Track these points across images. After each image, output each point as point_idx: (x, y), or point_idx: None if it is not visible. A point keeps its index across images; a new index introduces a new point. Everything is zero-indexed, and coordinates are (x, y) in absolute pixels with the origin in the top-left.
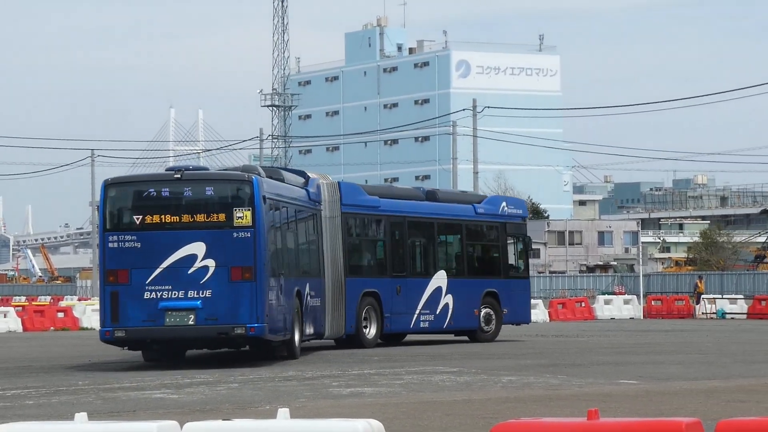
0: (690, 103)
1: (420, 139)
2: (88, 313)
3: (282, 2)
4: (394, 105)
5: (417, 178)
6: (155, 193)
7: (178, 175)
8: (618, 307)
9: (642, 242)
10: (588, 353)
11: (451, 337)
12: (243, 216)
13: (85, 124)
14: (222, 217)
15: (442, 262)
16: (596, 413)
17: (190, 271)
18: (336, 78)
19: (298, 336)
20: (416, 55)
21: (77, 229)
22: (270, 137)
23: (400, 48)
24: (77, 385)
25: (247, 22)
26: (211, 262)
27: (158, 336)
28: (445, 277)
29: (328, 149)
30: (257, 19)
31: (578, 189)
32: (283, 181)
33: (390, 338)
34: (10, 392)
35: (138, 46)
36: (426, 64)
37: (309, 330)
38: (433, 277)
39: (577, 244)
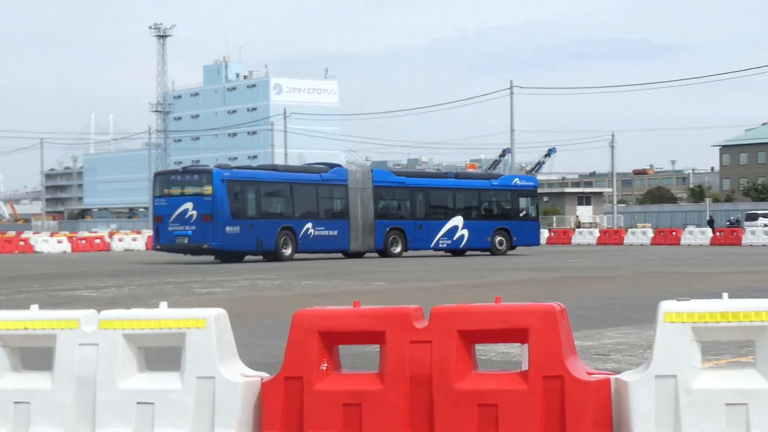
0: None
1: (251, 133)
2: (39, 242)
3: (163, 47)
4: (234, 111)
5: (249, 157)
6: (173, 177)
7: (181, 169)
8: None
9: None
10: (351, 265)
11: (482, 253)
12: (207, 190)
13: None
14: (199, 190)
15: (458, 211)
16: (359, 303)
17: (186, 217)
18: (197, 94)
19: (290, 250)
20: (248, 80)
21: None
22: (156, 132)
23: (237, 75)
24: (33, 288)
25: (138, 61)
26: (195, 213)
27: (174, 248)
28: (462, 219)
29: (192, 139)
30: (146, 58)
31: None
32: (277, 170)
33: (457, 252)
34: None
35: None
36: (254, 85)
37: (311, 247)
38: (450, 220)
39: None
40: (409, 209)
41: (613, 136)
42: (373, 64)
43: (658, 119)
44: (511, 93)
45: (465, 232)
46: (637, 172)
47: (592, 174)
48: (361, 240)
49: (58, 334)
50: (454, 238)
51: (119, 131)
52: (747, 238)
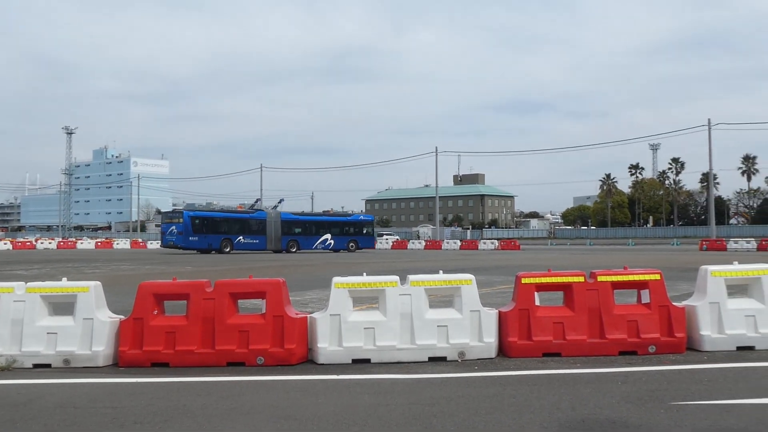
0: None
1: (119, 186)
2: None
3: (70, 138)
4: (110, 175)
5: (118, 200)
6: (168, 214)
7: (171, 210)
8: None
9: None
10: (200, 259)
11: (343, 251)
12: (180, 220)
13: None
14: (178, 220)
15: (329, 231)
16: (176, 278)
17: (173, 232)
18: (89, 165)
19: (228, 249)
20: (119, 158)
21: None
22: (64, 185)
23: (112, 155)
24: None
25: (57, 144)
26: (176, 230)
27: (168, 246)
28: (330, 235)
29: (85, 189)
30: (61, 143)
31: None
32: (219, 211)
33: (330, 251)
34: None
35: None
36: (122, 162)
37: (243, 248)
38: (323, 235)
39: None
40: (302, 230)
41: (312, 193)
42: (188, 153)
43: (340, 185)
44: (261, 171)
45: (332, 241)
46: (324, 213)
47: (302, 213)
48: (274, 245)
49: (1, 295)
50: (326, 244)
51: (42, 183)
52: (379, 245)
